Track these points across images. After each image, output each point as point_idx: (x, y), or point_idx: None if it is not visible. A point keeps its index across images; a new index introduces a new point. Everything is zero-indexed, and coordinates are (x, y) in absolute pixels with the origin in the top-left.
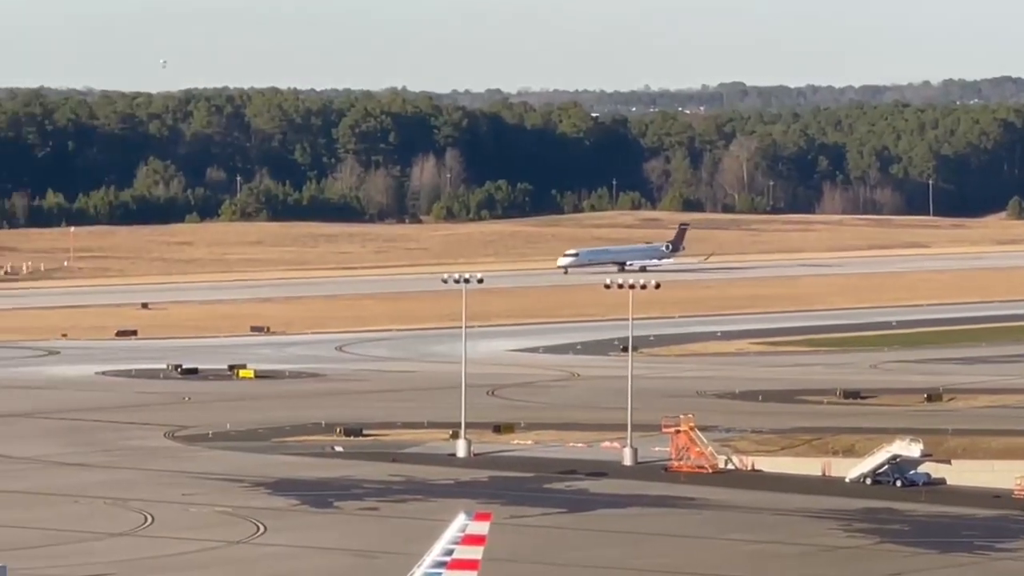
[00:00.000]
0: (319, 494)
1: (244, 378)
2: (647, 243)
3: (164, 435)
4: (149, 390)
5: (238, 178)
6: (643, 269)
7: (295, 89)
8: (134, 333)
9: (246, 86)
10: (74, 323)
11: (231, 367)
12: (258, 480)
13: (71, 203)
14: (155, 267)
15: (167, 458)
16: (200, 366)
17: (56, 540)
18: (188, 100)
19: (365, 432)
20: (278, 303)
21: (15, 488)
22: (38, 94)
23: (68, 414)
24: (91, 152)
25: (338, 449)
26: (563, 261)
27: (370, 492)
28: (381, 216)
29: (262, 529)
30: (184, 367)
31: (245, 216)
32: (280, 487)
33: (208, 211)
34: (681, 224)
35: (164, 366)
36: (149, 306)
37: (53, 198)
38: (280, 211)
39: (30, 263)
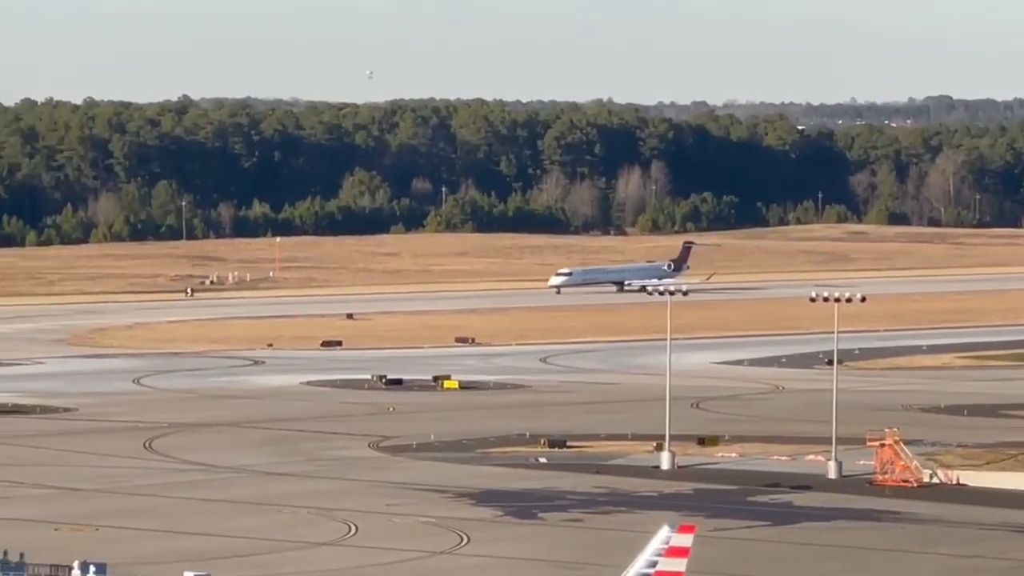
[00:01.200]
0: (523, 505)
1: (448, 389)
2: (649, 261)
3: (368, 445)
4: (354, 400)
5: (443, 189)
6: (642, 289)
7: (501, 100)
8: (339, 343)
9: (452, 97)
10: (280, 333)
11: (435, 378)
12: (462, 491)
13: (277, 213)
14: (360, 278)
15: (371, 468)
16: (405, 377)
17: (260, 549)
18: (394, 111)
19: (569, 444)
20: (483, 314)
21: (221, 497)
22: (245, 105)
23: (273, 424)
24: (297, 163)
25: (542, 460)
26: (556, 280)
27: (574, 503)
28: (586, 228)
29: (466, 540)
30: (389, 378)
31: (450, 227)
32: (484, 498)
33: (413, 222)
34: (685, 242)
35: (369, 376)
36: (354, 316)
37: (259, 208)
38: (485, 222)
39: (236, 273)
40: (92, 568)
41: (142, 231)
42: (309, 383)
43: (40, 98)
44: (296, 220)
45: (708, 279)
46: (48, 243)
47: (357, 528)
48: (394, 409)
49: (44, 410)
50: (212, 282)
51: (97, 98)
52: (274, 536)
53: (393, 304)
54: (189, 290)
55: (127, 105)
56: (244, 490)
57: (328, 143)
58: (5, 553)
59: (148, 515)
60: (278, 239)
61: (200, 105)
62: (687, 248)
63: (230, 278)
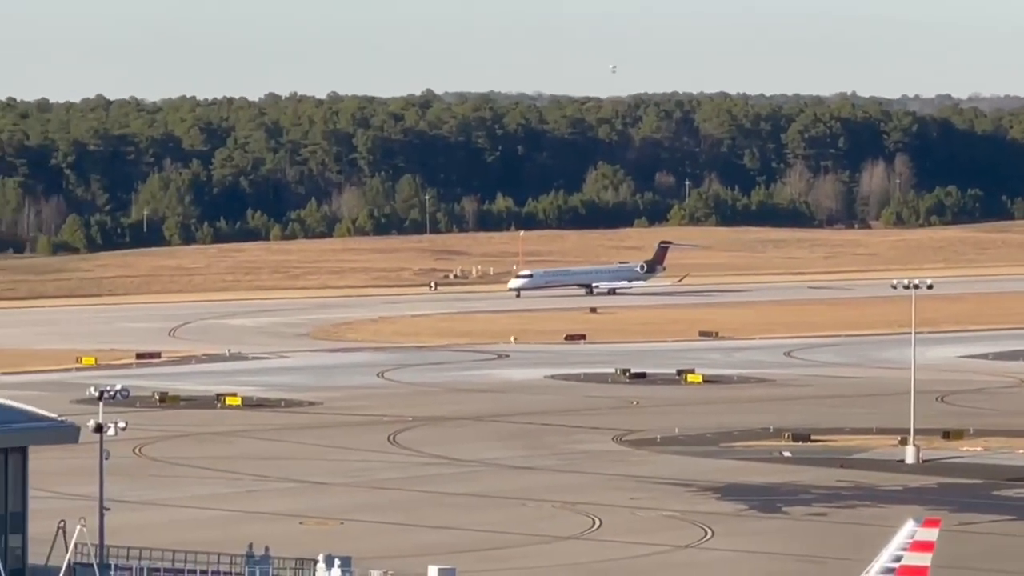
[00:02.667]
0: (767, 499)
1: (692, 383)
2: (621, 263)
3: (612, 439)
4: (597, 394)
5: (687, 183)
6: (612, 292)
7: (744, 94)
8: (583, 337)
9: (695, 91)
10: (524, 327)
11: (679, 372)
12: (706, 485)
13: (520, 207)
14: None
15: (615, 462)
16: (648, 370)
17: (504, 543)
18: (638, 105)
19: (813, 437)
20: (727, 308)
21: (465, 490)
22: (488, 99)
23: (517, 418)
24: (541, 157)
25: (786, 454)
26: (515, 283)
27: (818, 497)
28: (830, 221)
29: (710, 534)
30: (632, 371)
31: (694, 221)
32: (728, 492)
33: (657, 216)
34: (661, 242)
35: (612, 370)
36: (597, 310)
37: (503, 202)
38: (729, 216)
39: (479, 267)
40: (337, 561)
41: (386, 225)
42: (553, 377)
43: (284, 93)
44: (539, 214)
45: (680, 280)
46: (292, 237)
47: (601, 522)
48: (638, 403)
49: (289, 404)
50: (456, 276)
51: (341, 93)
52: (518, 530)
53: (636, 298)
54: (433, 284)
55: (371, 100)
56: (488, 484)
57: (571, 137)
58: (251, 546)
59: (392, 509)
60: (521, 233)
61: (444, 99)
62: (663, 249)
63: (473, 272)
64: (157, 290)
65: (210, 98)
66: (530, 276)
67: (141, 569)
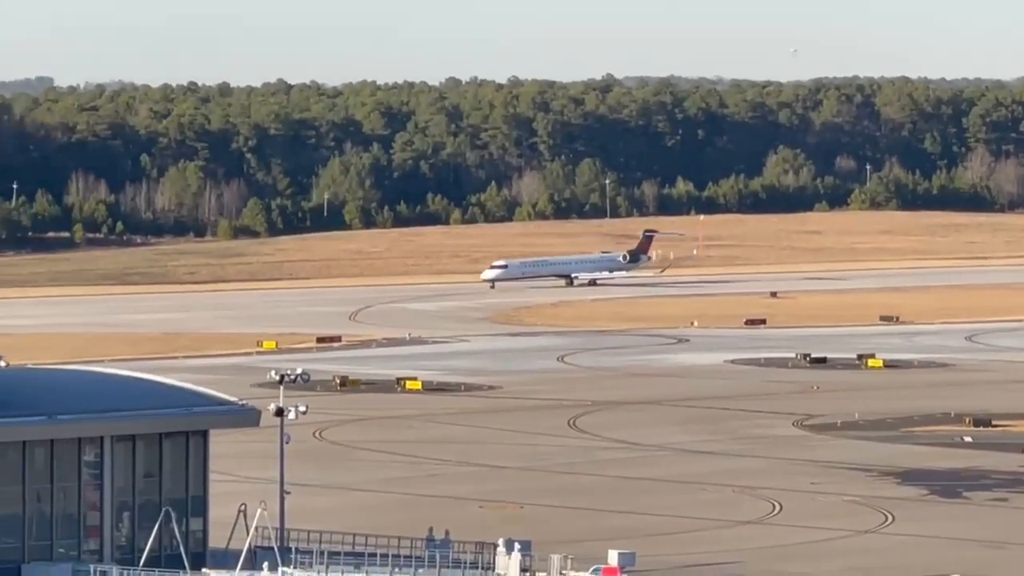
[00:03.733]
0: (948, 484)
1: (872, 367)
2: (604, 252)
3: (792, 424)
4: (778, 379)
5: (867, 167)
6: (592, 283)
7: (925, 78)
8: (763, 322)
9: (876, 75)
10: (703, 311)
11: (860, 356)
12: (886, 470)
13: (700, 191)
14: (784, 256)
15: (795, 447)
16: (828, 355)
17: (684, 528)
18: (818, 89)
19: (994, 423)
20: (907, 292)
21: (645, 475)
22: (668, 83)
23: (697, 402)
24: (721, 141)
25: (967, 440)
26: (488, 274)
27: (999, 483)
28: (1011, 206)
29: (890, 519)
30: (813, 356)
31: (875, 205)
32: (908, 477)
33: (837, 200)
34: (646, 231)
35: (793, 355)
36: (778, 295)
37: (683, 187)
38: (910, 200)
39: (659, 251)
40: (516, 546)
41: (566, 209)
42: (733, 361)
43: (465, 77)
44: (719, 198)
45: (663, 271)
46: (472, 221)
47: (781, 507)
48: (818, 387)
49: (468, 388)
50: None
51: (521, 77)
52: (698, 515)
53: (817, 283)
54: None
55: (551, 84)
56: (668, 468)
57: (752, 121)
58: (431, 530)
59: (572, 493)
60: (701, 217)
61: (624, 84)
62: (648, 237)
63: (653, 256)
64: (337, 274)
65: (391, 82)
66: (505, 267)
67: (321, 553)
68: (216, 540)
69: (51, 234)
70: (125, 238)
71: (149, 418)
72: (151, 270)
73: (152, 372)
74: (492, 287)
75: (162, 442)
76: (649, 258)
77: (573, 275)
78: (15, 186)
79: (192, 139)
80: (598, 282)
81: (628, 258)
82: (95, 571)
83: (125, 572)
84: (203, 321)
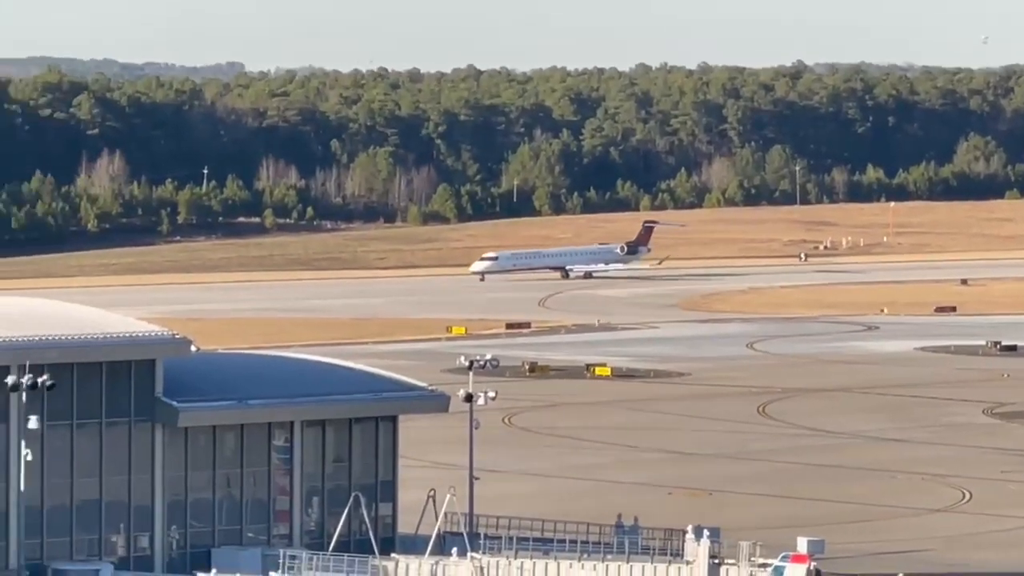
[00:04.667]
0: None
1: None
2: (601, 244)
3: (982, 412)
4: (968, 366)
5: None
6: (588, 276)
7: None
8: (953, 309)
9: None
10: (893, 298)
11: None
12: None
13: (891, 179)
14: (975, 243)
15: (985, 434)
16: (1020, 343)
17: (873, 515)
18: (1009, 76)
19: None
20: None
21: (834, 462)
22: (859, 70)
23: (887, 389)
24: (911, 128)
25: None
26: (478, 266)
27: None
28: None
29: None
30: (1003, 344)
31: None
32: None
33: None
34: (646, 222)
35: (983, 343)
36: (968, 282)
37: (873, 173)
38: None
39: (849, 238)
40: (706, 532)
41: (755, 196)
42: (923, 349)
43: (655, 64)
44: (910, 185)
45: (660, 264)
46: (662, 207)
47: (971, 495)
48: (1008, 375)
49: (658, 375)
50: (825, 247)
51: (711, 63)
52: (887, 502)
53: (1008, 270)
54: (803, 255)
55: (741, 70)
56: (857, 455)
57: (942, 108)
58: (620, 516)
59: (761, 480)
60: (892, 204)
61: (814, 70)
62: (648, 228)
63: (843, 243)
64: None
65: (581, 68)
66: (495, 259)
67: (510, 539)
68: (405, 526)
69: (241, 219)
70: (315, 223)
71: (339, 403)
72: (341, 255)
73: (342, 358)
74: (481, 279)
75: (352, 427)
76: (648, 250)
77: (568, 267)
78: (206, 171)
79: (382, 125)
80: (594, 275)
81: (626, 250)
82: (284, 556)
83: (314, 557)
84: (393, 307)
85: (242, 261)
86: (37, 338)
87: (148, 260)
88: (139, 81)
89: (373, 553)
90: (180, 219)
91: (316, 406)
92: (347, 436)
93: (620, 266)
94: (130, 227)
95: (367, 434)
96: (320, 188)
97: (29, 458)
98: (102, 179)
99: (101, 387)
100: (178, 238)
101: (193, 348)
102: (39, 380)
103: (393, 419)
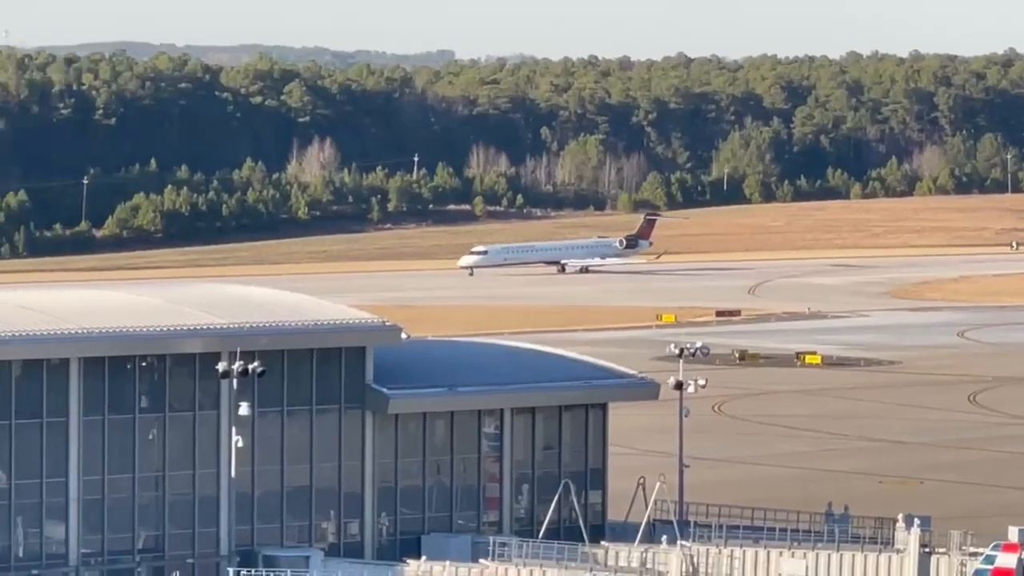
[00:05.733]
0: None
1: None
2: (600, 237)
3: None
4: None
5: None
6: (584, 270)
7: None
8: None
9: None
10: None
11: None
12: None
13: None
14: None
15: None
16: None
17: None
18: None
19: None
20: None
21: None
22: None
23: None
24: None
25: None
26: (466, 260)
27: None
28: None
29: None
30: None
31: None
32: None
33: None
34: (648, 214)
35: None
36: None
37: None
38: None
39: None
40: (916, 521)
41: (967, 184)
42: None
43: (865, 51)
44: None
45: (658, 258)
46: (872, 196)
47: None
48: None
49: (868, 363)
50: None
51: (923, 51)
52: None
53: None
54: (1014, 243)
55: (953, 58)
56: None
57: None
58: (830, 505)
59: (972, 469)
60: None
61: None
62: (650, 221)
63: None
64: (737, 248)
65: (791, 56)
66: (485, 252)
67: (720, 526)
68: (615, 513)
69: (452, 207)
70: (525, 211)
71: (549, 390)
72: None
73: (552, 345)
74: (471, 274)
75: (561, 415)
76: (650, 243)
77: (564, 261)
78: (416, 159)
79: (592, 112)
80: (591, 269)
81: (625, 243)
82: (494, 543)
83: (524, 544)
84: (604, 295)
85: (452, 248)
86: (248, 325)
87: (358, 247)
88: (350, 69)
89: (583, 541)
90: (390, 207)
91: (526, 393)
92: (557, 423)
93: (617, 260)
94: (340, 214)
95: (577, 421)
96: (530, 176)
97: (240, 445)
98: (313, 166)
99: (311, 374)
100: (388, 225)
101: (403, 335)
102: (250, 367)
103: (603, 406)
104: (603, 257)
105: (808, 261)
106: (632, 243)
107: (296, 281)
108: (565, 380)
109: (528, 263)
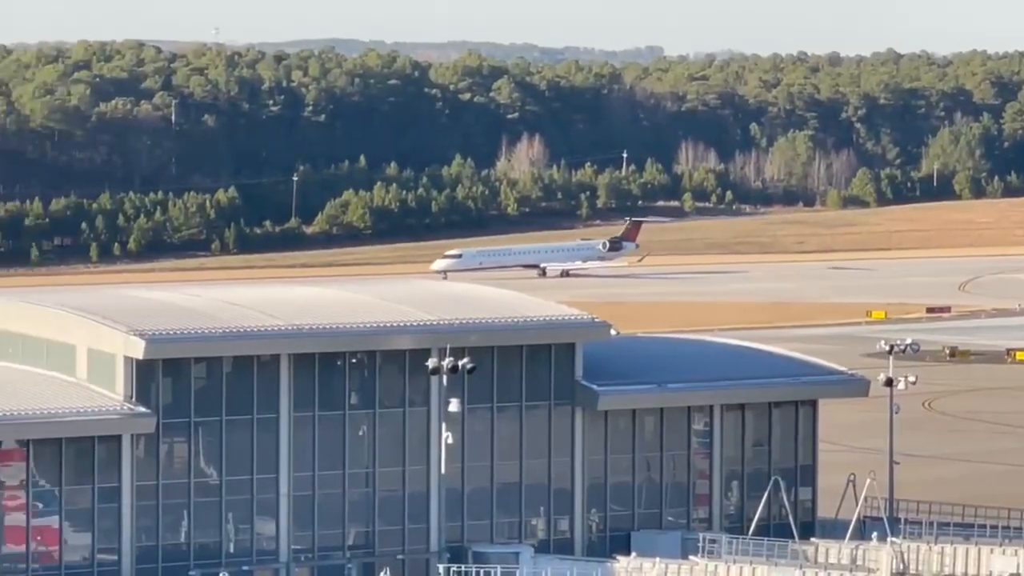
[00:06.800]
0: None
1: None
2: (584, 240)
3: None
4: None
5: None
6: (565, 274)
7: None
8: None
9: None
10: None
11: None
12: None
13: None
14: None
15: None
16: None
17: None
18: None
19: None
20: None
21: None
22: None
23: None
24: None
25: None
26: (439, 264)
27: None
28: None
29: None
30: None
31: None
32: None
33: None
34: (632, 218)
35: None
36: None
37: None
38: None
39: None
40: None
41: None
42: None
43: None
44: None
45: (639, 261)
46: None
47: None
48: None
49: None
50: None
51: None
52: None
53: None
54: None
55: None
56: None
57: None
58: None
59: None
60: None
61: None
62: (635, 224)
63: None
64: (946, 244)
65: (1001, 52)
66: (459, 256)
67: (930, 523)
68: (824, 510)
69: (660, 203)
70: (734, 207)
71: (758, 387)
72: (760, 239)
73: (761, 341)
74: (444, 277)
75: (771, 411)
76: (636, 246)
77: (543, 265)
78: (625, 155)
79: (801, 109)
80: (571, 273)
81: (608, 246)
82: (704, 539)
83: (734, 541)
84: (812, 290)
85: (661, 245)
86: (458, 321)
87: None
88: (559, 65)
89: (793, 537)
90: (599, 203)
91: (736, 390)
92: (766, 420)
93: (598, 264)
94: (549, 211)
95: (786, 418)
96: (739, 172)
97: (450, 441)
98: (522, 163)
99: (521, 370)
100: (597, 222)
101: (612, 332)
102: (459, 363)
103: (813, 403)
104: (584, 260)
105: (1019, 257)
106: (616, 246)
107: (504, 278)
108: (774, 376)
109: (505, 267)
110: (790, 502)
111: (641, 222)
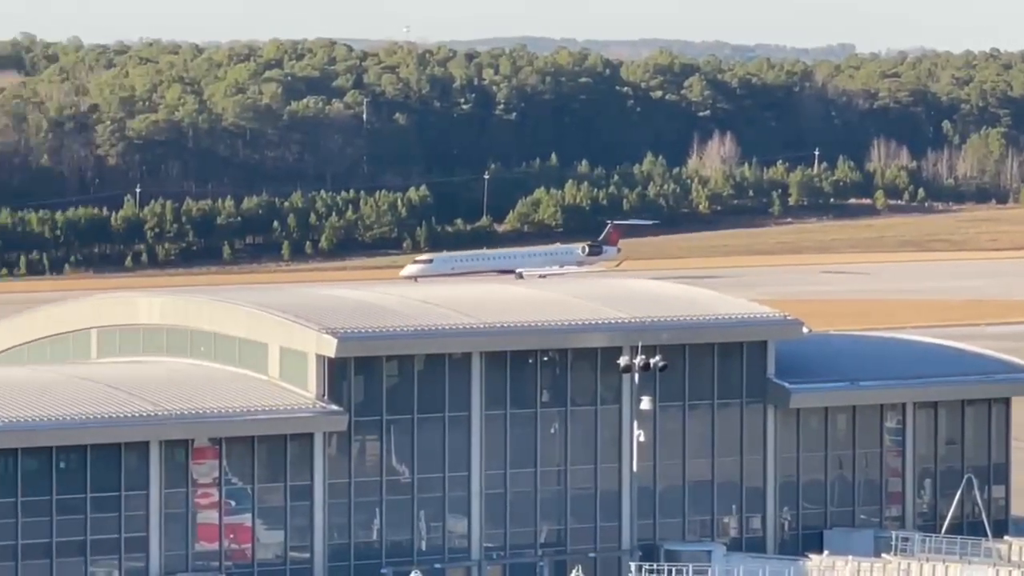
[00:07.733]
0: None
1: None
2: (562, 244)
3: None
4: None
5: None
6: (543, 279)
7: None
8: None
9: None
10: None
11: None
12: None
13: None
14: None
15: None
16: None
17: None
18: None
19: None
20: None
21: None
22: None
23: None
24: None
25: None
26: (409, 270)
27: None
28: None
29: None
30: None
31: None
32: None
33: None
34: (613, 222)
35: None
36: None
37: None
38: None
39: None
40: None
41: None
42: None
43: None
44: None
45: (617, 266)
46: None
47: None
48: None
49: None
50: None
51: None
52: None
53: None
54: None
55: None
56: None
57: None
58: None
59: None
60: None
61: None
62: (617, 228)
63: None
64: None
65: None
66: (430, 261)
67: None
68: (1018, 508)
69: (852, 201)
70: (926, 205)
71: (951, 385)
72: (953, 237)
73: (955, 340)
74: (415, 281)
75: (964, 409)
76: (618, 250)
77: (519, 270)
78: (817, 152)
79: (994, 106)
80: (547, 277)
81: (588, 250)
82: (897, 538)
83: (927, 539)
84: (1006, 288)
85: (853, 242)
86: (650, 319)
87: (759, 241)
88: (750, 63)
89: (986, 535)
90: (791, 201)
91: (928, 388)
92: (959, 418)
93: (576, 268)
94: (741, 208)
95: (979, 416)
96: (931, 169)
97: (642, 439)
98: (713, 161)
99: (713, 368)
100: (789, 220)
101: (805, 329)
102: (651, 361)
103: (1006, 401)
104: (561, 265)
105: None
106: (596, 250)
107: (696, 275)
108: (968, 374)
109: (479, 272)
110: (983, 500)
111: (622, 225)
